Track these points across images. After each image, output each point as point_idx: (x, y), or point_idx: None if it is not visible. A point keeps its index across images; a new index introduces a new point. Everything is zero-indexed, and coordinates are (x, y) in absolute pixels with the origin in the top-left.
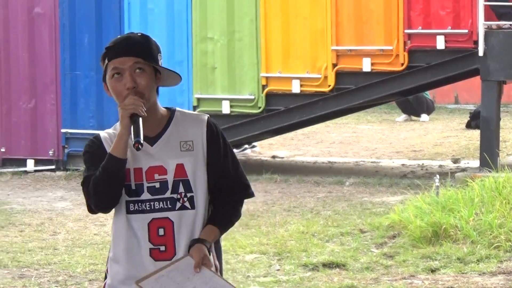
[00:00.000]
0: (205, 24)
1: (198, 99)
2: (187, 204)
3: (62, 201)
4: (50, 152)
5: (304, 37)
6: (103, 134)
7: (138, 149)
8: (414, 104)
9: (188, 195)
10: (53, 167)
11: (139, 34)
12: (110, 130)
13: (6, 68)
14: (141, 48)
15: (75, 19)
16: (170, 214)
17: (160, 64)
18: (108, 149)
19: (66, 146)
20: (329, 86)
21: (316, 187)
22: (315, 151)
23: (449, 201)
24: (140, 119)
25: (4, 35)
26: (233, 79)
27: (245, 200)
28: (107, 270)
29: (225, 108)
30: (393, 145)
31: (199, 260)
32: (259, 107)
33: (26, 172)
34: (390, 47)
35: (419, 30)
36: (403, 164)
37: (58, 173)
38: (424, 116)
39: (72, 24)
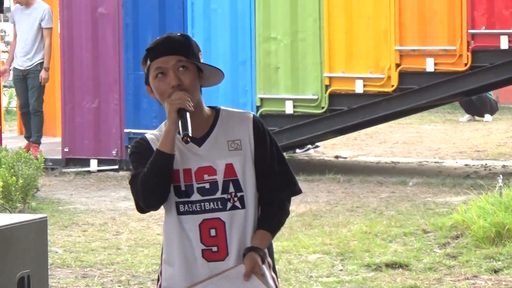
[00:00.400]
0: (268, 24)
1: (261, 99)
2: (237, 203)
3: (125, 201)
4: (113, 152)
5: (368, 37)
6: (149, 135)
7: (187, 142)
8: (477, 104)
9: (239, 194)
10: (116, 167)
11: (178, 34)
12: (155, 132)
13: (70, 68)
14: (182, 47)
15: (138, 19)
16: (221, 215)
17: (201, 60)
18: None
19: (129, 146)
20: (392, 86)
21: (379, 187)
22: (378, 151)
23: None
24: (188, 114)
25: (68, 35)
26: (296, 79)
27: (308, 200)
28: (160, 272)
29: (289, 108)
30: (457, 145)
31: (249, 269)
32: (322, 107)
33: (89, 172)
34: (454, 47)
35: (482, 30)
36: (466, 164)
37: (121, 173)
38: (487, 116)
39: (135, 24)
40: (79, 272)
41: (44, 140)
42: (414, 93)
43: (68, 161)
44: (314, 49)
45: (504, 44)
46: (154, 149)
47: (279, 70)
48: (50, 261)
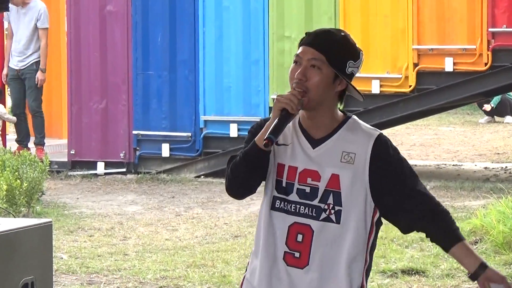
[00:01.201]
0: (282, 22)
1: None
2: (332, 217)
3: (132, 205)
4: (121, 155)
5: (384, 36)
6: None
7: (266, 145)
8: (497, 106)
9: (336, 208)
10: (124, 170)
11: (342, 34)
12: None
13: (77, 68)
14: (329, 45)
15: (148, 17)
16: (313, 223)
17: (347, 71)
18: None
19: (137, 148)
20: (410, 86)
21: None
22: None
23: None
24: (290, 118)
25: (75, 34)
26: None
27: None
28: (248, 262)
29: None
30: (476, 147)
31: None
32: (338, 108)
33: (96, 175)
34: (473, 46)
35: (503, 29)
36: (486, 167)
37: (129, 176)
38: (508, 118)
39: (145, 22)
40: (85, 279)
41: (49, 142)
42: (432, 94)
43: (74, 164)
44: None
45: None
46: None
47: None
48: (54, 267)
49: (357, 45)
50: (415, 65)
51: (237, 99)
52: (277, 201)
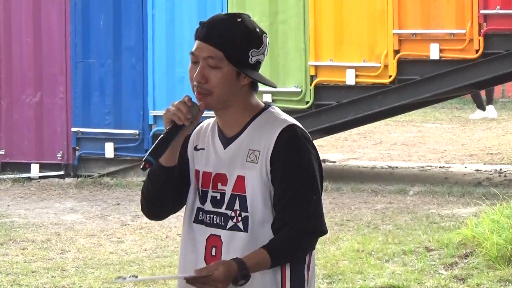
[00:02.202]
0: (242, 3)
1: None
2: (240, 224)
3: (72, 213)
4: (59, 155)
5: (360, 19)
6: (203, 123)
7: (144, 169)
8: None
9: (243, 214)
10: (61, 172)
11: (239, 19)
12: (211, 119)
13: (7, 56)
14: (226, 39)
15: None
16: (222, 233)
17: (251, 61)
18: (191, 142)
19: (77, 148)
20: (390, 77)
21: (374, 196)
22: (373, 154)
23: None
24: (186, 129)
25: (4, 17)
26: (276, 69)
27: None
28: None
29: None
30: (466, 147)
31: (199, 273)
32: (307, 102)
33: (29, 178)
34: (463, 31)
35: (497, 11)
36: (477, 170)
37: (68, 180)
38: (491, 109)
39: (85, 3)
40: None
41: None
42: (416, 85)
43: (4, 166)
44: (297, 33)
45: None
46: (190, 141)
47: None
48: None
49: (258, 27)
50: (396, 52)
51: (191, 92)
52: (200, 212)
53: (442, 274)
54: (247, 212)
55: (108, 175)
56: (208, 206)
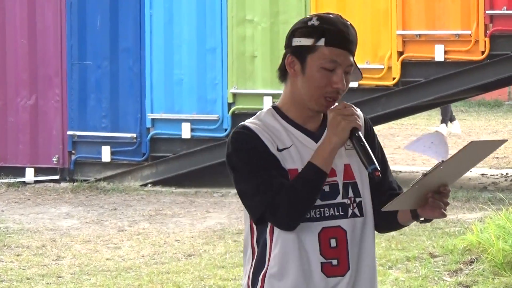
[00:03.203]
0: (243, 4)
1: (234, 95)
2: (356, 210)
3: (67, 218)
4: (54, 159)
5: (364, 20)
6: (252, 125)
7: (378, 178)
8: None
9: (357, 200)
10: (57, 177)
11: (348, 22)
12: (255, 120)
13: (1, 58)
14: (355, 45)
15: None
16: (343, 222)
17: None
18: (269, 141)
19: (73, 151)
20: (394, 79)
21: None
22: None
23: None
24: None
25: None
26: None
27: None
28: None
29: (267, 106)
30: None
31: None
32: None
33: (24, 183)
34: (468, 32)
35: (503, 11)
36: (483, 174)
37: (63, 184)
38: (455, 124)
39: (81, 3)
40: None
41: None
42: (420, 87)
43: None
44: None
45: None
46: (266, 141)
47: (256, 59)
48: None
49: None
50: (400, 53)
51: (190, 94)
52: None
53: (447, 280)
54: (360, 197)
55: (104, 180)
56: (316, 201)
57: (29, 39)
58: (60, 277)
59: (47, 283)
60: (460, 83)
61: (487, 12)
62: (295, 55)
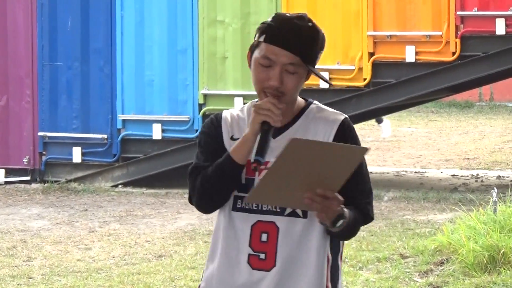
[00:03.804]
0: (214, 5)
1: (205, 96)
2: (299, 211)
3: (38, 219)
4: (25, 160)
5: (335, 21)
6: (225, 114)
7: (255, 169)
8: None
9: None
10: (27, 178)
11: (310, 24)
12: (235, 111)
13: None
14: (304, 45)
15: None
16: (278, 219)
17: (316, 62)
18: (226, 132)
19: (44, 152)
20: (365, 79)
21: None
22: None
23: (509, 220)
24: (272, 131)
25: None
26: (248, 72)
27: None
28: (203, 271)
29: (238, 107)
30: (442, 151)
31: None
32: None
33: None
34: (439, 33)
35: (474, 12)
36: (453, 175)
37: (34, 185)
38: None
39: (52, 4)
40: None
41: None
42: (391, 88)
43: None
44: None
45: (500, 29)
46: (224, 131)
47: (227, 60)
48: None
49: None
50: (371, 54)
51: (161, 95)
52: (239, 200)
53: (417, 281)
54: None
55: (75, 181)
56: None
57: (0, 40)
58: (30, 278)
59: (18, 284)
60: (431, 84)
61: (458, 13)
62: (250, 50)
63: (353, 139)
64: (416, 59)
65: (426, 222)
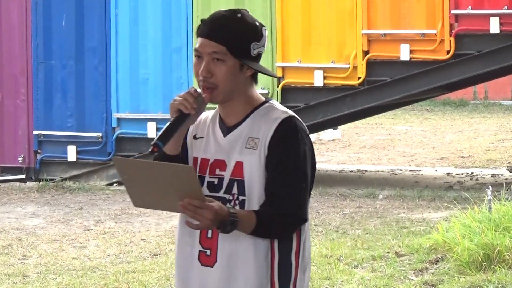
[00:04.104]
0: (208, 4)
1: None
2: (237, 207)
3: (33, 218)
4: (20, 159)
5: (329, 19)
6: (204, 114)
7: (152, 152)
8: None
9: (241, 198)
10: (22, 176)
11: (238, 15)
12: (211, 112)
13: None
14: (228, 35)
15: None
16: None
17: (253, 54)
18: (191, 131)
19: (38, 151)
20: (359, 78)
21: (342, 201)
22: (341, 158)
23: (504, 218)
24: (191, 119)
25: None
26: None
27: None
28: None
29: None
30: (437, 150)
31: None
32: None
33: None
34: (433, 31)
35: (468, 11)
36: (448, 173)
37: (29, 184)
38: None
39: (47, 2)
40: None
41: None
42: (385, 87)
43: None
44: None
45: (494, 27)
46: (190, 130)
47: None
48: None
49: (257, 21)
50: (365, 53)
51: (156, 94)
52: None
53: (412, 280)
54: (245, 195)
55: (70, 179)
56: (204, 191)
57: None
58: (26, 276)
59: (13, 283)
60: (426, 83)
61: (452, 11)
62: None
63: (290, 138)
64: (410, 58)
65: (421, 220)
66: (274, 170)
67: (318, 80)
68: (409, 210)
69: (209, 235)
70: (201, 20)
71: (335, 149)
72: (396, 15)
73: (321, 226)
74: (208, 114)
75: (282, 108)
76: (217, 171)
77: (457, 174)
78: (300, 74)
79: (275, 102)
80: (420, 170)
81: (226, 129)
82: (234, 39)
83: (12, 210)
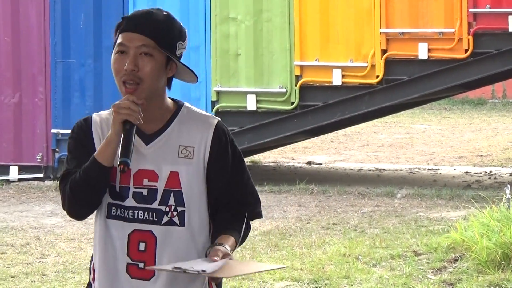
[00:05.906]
0: (226, 2)
1: (218, 93)
2: (175, 219)
3: (52, 216)
4: (38, 157)
5: (347, 18)
6: (94, 117)
7: (123, 171)
8: None
9: (179, 209)
10: (41, 175)
11: (164, 13)
12: (105, 112)
13: None
14: (157, 29)
15: None
16: (154, 228)
17: (177, 54)
18: (96, 136)
19: (57, 149)
20: (377, 77)
21: (361, 199)
22: (359, 156)
23: None
24: (134, 130)
25: None
26: (260, 69)
27: (275, 216)
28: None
29: (251, 104)
30: (455, 148)
31: (216, 253)
32: (292, 103)
33: (8, 181)
34: (452, 30)
35: (487, 9)
36: (466, 172)
37: (47, 182)
38: None
39: (65, 2)
40: None
41: None
42: (404, 86)
43: None
44: (282, 32)
45: None
46: (94, 135)
47: (239, 57)
48: None
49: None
50: (383, 51)
51: (174, 92)
52: (113, 208)
53: (431, 278)
54: (184, 206)
55: None
56: (130, 202)
57: (13, 37)
58: (44, 275)
59: (32, 281)
60: (444, 81)
61: (471, 10)
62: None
63: (229, 143)
64: (428, 56)
65: (440, 219)
66: (223, 176)
67: (336, 78)
68: (428, 209)
69: (142, 247)
70: (123, 17)
71: (353, 147)
72: (414, 13)
73: (339, 225)
74: (103, 116)
75: (200, 111)
76: (146, 182)
77: (475, 173)
78: (318, 72)
79: (189, 105)
80: (438, 169)
81: (146, 137)
82: (163, 33)
83: (30, 208)
